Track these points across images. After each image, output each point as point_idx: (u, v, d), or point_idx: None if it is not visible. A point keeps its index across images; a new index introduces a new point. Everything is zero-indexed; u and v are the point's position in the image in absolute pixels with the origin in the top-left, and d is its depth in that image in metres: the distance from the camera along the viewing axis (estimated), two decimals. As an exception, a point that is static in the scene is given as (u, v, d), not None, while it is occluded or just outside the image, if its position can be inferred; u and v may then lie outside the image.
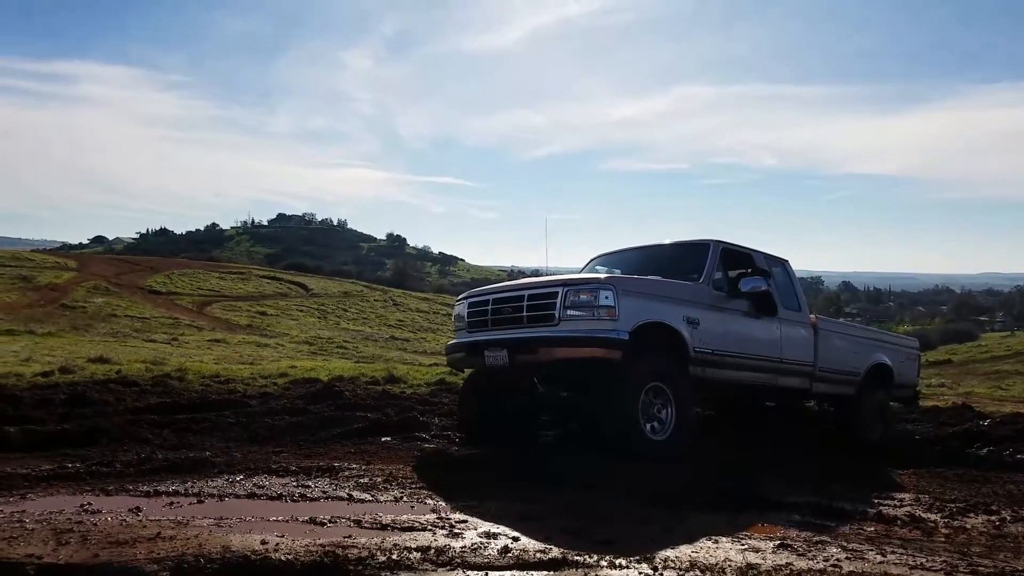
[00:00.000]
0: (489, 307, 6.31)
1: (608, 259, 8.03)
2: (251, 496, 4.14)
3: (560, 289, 5.80)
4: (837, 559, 3.20)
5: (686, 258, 7.08)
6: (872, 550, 3.42)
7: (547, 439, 7.12)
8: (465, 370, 7.11)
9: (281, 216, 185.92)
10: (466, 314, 6.57)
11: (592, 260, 8.21)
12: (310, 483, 4.52)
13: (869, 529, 4.02)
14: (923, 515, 4.43)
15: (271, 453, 5.66)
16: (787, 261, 8.02)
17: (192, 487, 4.28)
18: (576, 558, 2.97)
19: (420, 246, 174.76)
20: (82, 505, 3.72)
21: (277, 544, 2.93)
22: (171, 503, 3.87)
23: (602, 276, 6.27)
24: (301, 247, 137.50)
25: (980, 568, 3.10)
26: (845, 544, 3.53)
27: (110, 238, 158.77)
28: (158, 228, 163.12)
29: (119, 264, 39.31)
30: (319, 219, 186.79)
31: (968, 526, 4.21)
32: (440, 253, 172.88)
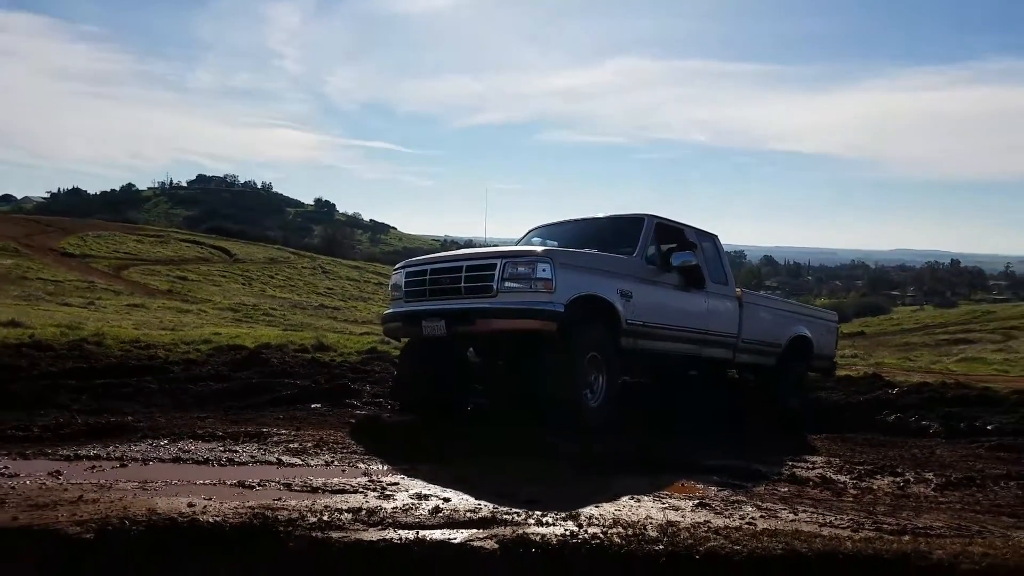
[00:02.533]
0: (427, 277, 6.30)
1: (545, 231, 8.09)
2: (176, 460, 4.04)
3: (498, 261, 5.83)
4: (752, 517, 3.36)
5: (621, 231, 7.21)
6: (785, 509, 3.61)
7: (480, 407, 7.19)
8: (401, 339, 7.07)
9: (202, 177, 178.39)
10: (403, 283, 6.53)
11: (530, 232, 8.26)
12: (238, 448, 4.44)
13: (783, 490, 4.23)
14: (833, 477, 4.70)
15: (196, 419, 5.51)
16: (716, 236, 8.26)
17: (114, 451, 4.14)
18: (505, 516, 3.03)
19: (350, 213, 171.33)
20: (-2, 469, 3.56)
21: (205, 507, 2.88)
22: (93, 467, 3.75)
23: (540, 249, 6.31)
24: (223, 210, 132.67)
25: (884, 525, 3.31)
26: (760, 503, 3.71)
27: (18, 197, 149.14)
28: (70, 187, 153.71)
29: (28, 224, 37.01)
30: (242, 181, 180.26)
31: (875, 487, 4.47)
32: (371, 220, 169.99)
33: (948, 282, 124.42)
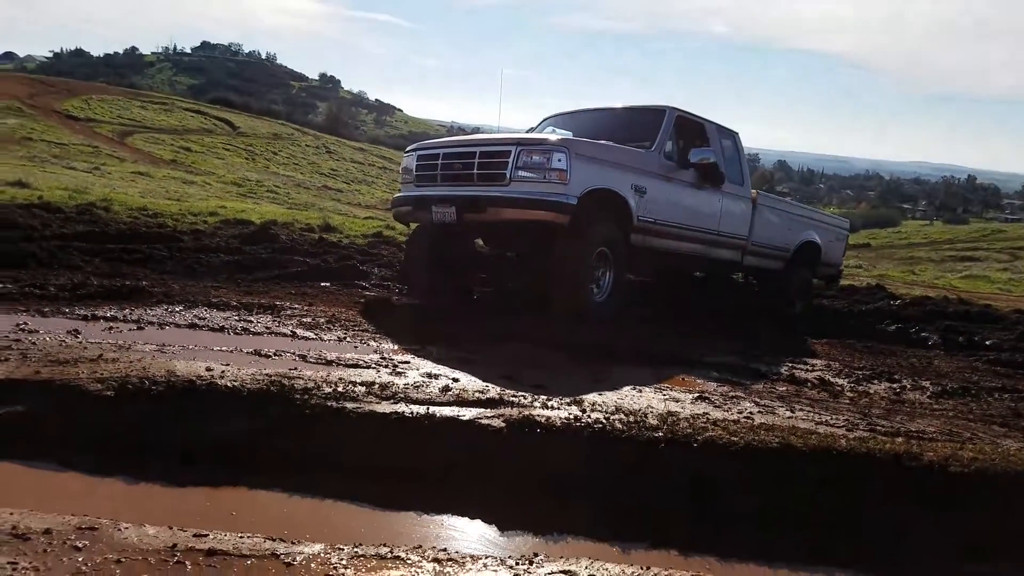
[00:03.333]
0: (439, 161, 6.15)
1: (561, 120, 7.84)
2: (192, 327, 4.12)
3: (513, 148, 5.67)
4: (750, 412, 3.46)
5: (640, 124, 6.98)
6: (782, 407, 3.71)
7: (487, 296, 7.25)
8: (410, 224, 7.04)
9: (206, 44, 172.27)
10: (415, 167, 6.40)
11: (544, 120, 8.00)
12: (252, 318, 4.52)
13: (781, 389, 4.33)
14: (832, 380, 4.79)
15: (209, 288, 5.58)
16: (737, 134, 8.00)
17: (131, 314, 4.21)
18: (512, 398, 3.12)
19: (355, 91, 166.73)
20: (18, 324, 3.63)
21: (223, 372, 2.96)
22: (110, 328, 3.82)
23: (555, 138, 6.11)
24: (227, 80, 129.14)
25: (878, 427, 3.40)
26: (758, 400, 3.80)
27: (20, 55, 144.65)
28: (73, 48, 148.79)
29: (32, 84, 36.05)
30: (246, 51, 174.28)
31: (871, 391, 4.56)
32: (377, 101, 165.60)
33: (962, 198, 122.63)
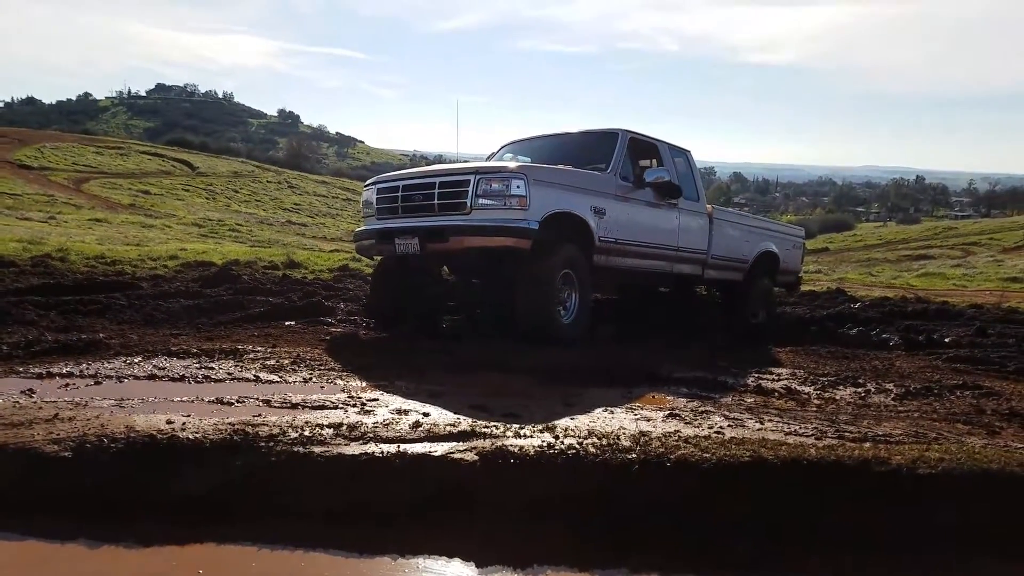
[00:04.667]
0: (399, 194, 6.21)
1: (518, 146, 7.98)
2: (152, 378, 4.02)
3: (472, 177, 5.75)
4: (720, 426, 3.47)
5: (595, 147, 7.12)
6: (752, 419, 3.73)
7: (454, 324, 7.24)
8: (374, 257, 7.04)
9: (160, 87, 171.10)
10: (375, 200, 6.44)
11: (503, 147, 8.13)
12: (214, 365, 4.42)
13: (749, 400, 4.36)
14: (798, 388, 4.84)
15: (169, 336, 5.46)
16: (689, 152, 8.20)
17: (87, 369, 4.10)
18: (484, 430, 3.09)
19: (315, 125, 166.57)
20: (-33, 389, 3.51)
21: (184, 424, 2.89)
22: (66, 385, 3.71)
23: (513, 165, 6.21)
24: (183, 121, 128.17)
25: (846, 433, 3.44)
26: (727, 414, 3.82)
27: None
28: (24, 96, 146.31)
29: (-19, 135, 35.41)
30: (202, 91, 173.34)
31: (837, 397, 4.62)
32: (338, 134, 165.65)
33: (912, 199, 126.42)
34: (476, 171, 5.84)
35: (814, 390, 4.82)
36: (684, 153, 8.08)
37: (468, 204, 5.72)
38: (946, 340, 7.33)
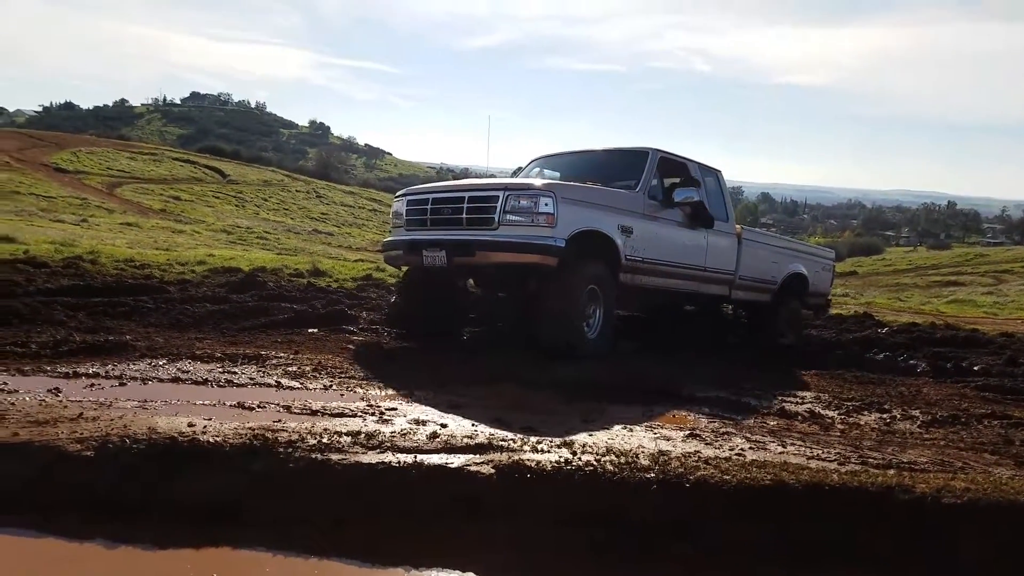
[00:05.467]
0: (429, 206, 6.29)
1: (549, 161, 8.04)
2: (175, 380, 4.07)
3: (501, 193, 5.81)
4: (741, 448, 3.43)
5: (625, 165, 7.15)
6: (774, 441, 3.67)
7: (477, 336, 7.25)
8: (401, 267, 7.12)
9: (195, 95, 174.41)
10: (404, 211, 6.52)
11: (533, 161, 8.20)
12: (236, 370, 4.47)
13: (772, 423, 4.30)
14: (822, 412, 4.77)
15: (194, 339, 5.54)
16: (720, 172, 8.17)
17: (113, 370, 4.16)
18: (501, 443, 3.08)
19: (345, 136, 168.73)
20: (-2, 384, 3.58)
21: (205, 427, 2.92)
22: (92, 385, 3.77)
23: (542, 183, 6.27)
24: (216, 129, 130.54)
25: (870, 459, 3.38)
26: (749, 436, 3.77)
27: (10, 110, 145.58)
28: (63, 101, 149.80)
29: (21, 138, 36.30)
30: (236, 100, 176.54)
31: (862, 422, 4.54)
32: (367, 145, 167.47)
33: (943, 224, 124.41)
34: (505, 187, 5.90)
35: (838, 415, 4.75)
36: (715, 173, 8.06)
37: (496, 219, 5.77)
38: (975, 368, 7.17)
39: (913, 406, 5.17)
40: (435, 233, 6.14)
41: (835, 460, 3.34)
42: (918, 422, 4.63)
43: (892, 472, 3.07)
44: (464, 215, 5.98)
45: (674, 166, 7.44)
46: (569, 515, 2.69)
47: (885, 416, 4.77)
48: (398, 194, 6.88)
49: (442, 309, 6.87)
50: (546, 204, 5.66)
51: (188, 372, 4.30)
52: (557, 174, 7.64)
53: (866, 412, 4.88)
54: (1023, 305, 20.58)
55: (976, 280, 30.59)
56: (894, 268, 38.42)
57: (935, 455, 3.65)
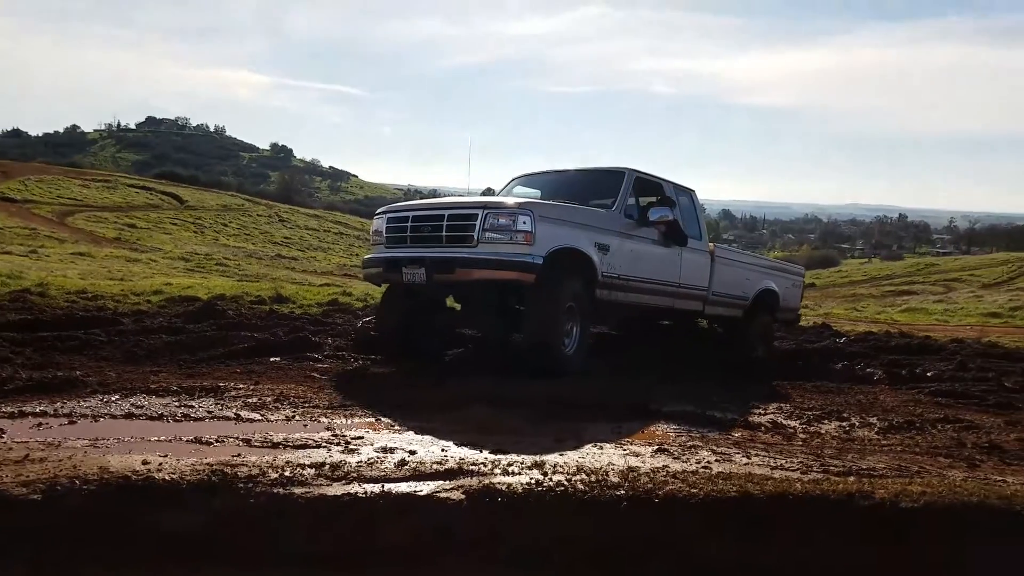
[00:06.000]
0: (409, 224, 6.38)
1: (529, 180, 8.22)
2: (129, 416, 3.94)
3: (480, 211, 5.92)
4: (708, 461, 3.46)
5: (602, 184, 7.34)
6: (739, 453, 3.72)
7: (457, 357, 7.25)
8: (381, 285, 7.21)
9: (151, 120, 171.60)
10: (384, 229, 6.60)
11: (513, 180, 8.35)
12: (193, 403, 4.36)
13: (737, 435, 4.36)
14: (784, 422, 4.85)
15: (149, 373, 5.37)
16: (693, 191, 8.41)
17: (62, 407, 4.01)
18: (471, 467, 3.05)
19: (308, 159, 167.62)
20: (-64, 429, 3.42)
21: (160, 464, 2.82)
22: (39, 424, 3.63)
23: (521, 201, 6.39)
24: (174, 154, 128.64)
25: (831, 467, 3.44)
26: (715, 448, 3.81)
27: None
28: (10, 129, 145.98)
29: (-35, 168, 35.26)
30: (194, 124, 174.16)
31: (823, 431, 4.64)
32: (331, 168, 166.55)
33: (895, 236, 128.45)
34: (484, 205, 6.02)
35: (800, 424, 4.83)
36: (688, 192, 8.29)
37: (475, 237, 5.88)
38: (928, 374, 7.38)
39: (871, 413, 5.30)
40: (415, 251, 6.23)
41: (798, 469, 3.39)
42: (876, 429, 4.74)
43: (852, 479, 3.13)
44: (444, 233, 6.09)
45: (649, 185, 7.63)
46: (543, 537, 2.68)
47: (844, 424, 4.88)
48: (378, 212, 6.97)
49: (423, 327, 6.90)
50: (524, 222, 5.79)
51: (142, 407, 4.17)
52: (537, 192, 7.84)
53: (826, 421, 4.98)
54: (972, 312, 21.27)
55: (927, 289, 31.56)
56: (850, 279, 39.43)
57: (893, 461, 3.74)
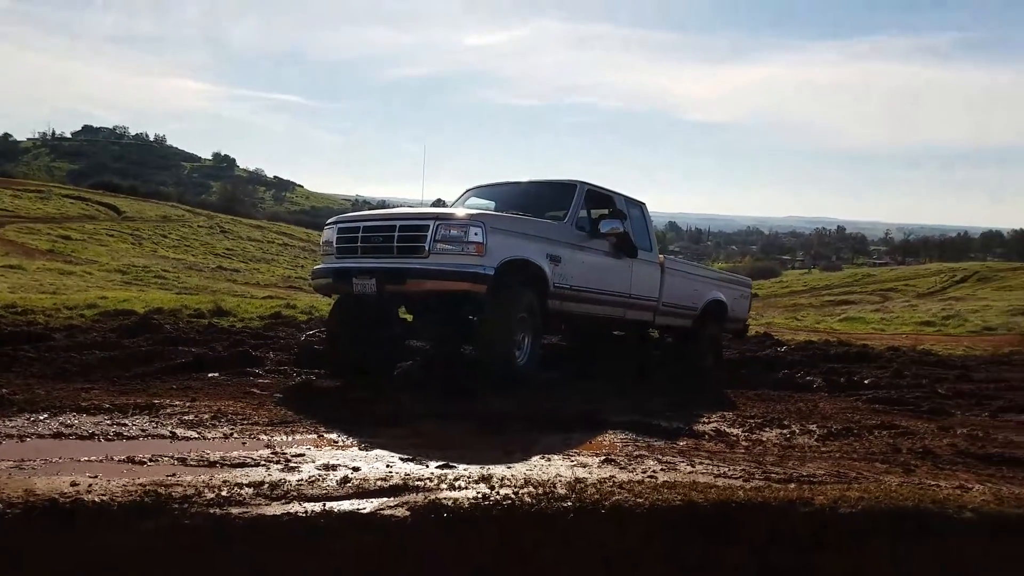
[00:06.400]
0: (359, 234, 6.33)
1: (482, 192, 8.24)
2: (57, 436, 3.77)
3: (432, 222, 5.91)
4: (653, 471, 3.49)
5: (554, 196, 7.44)
6: (683, 462, 3.76)
7: (401, 369, 7.17)
8: (332, 296, 7.12)
9: (88, 129, 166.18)
10: (335, 239, 6.52)
11: (467, 191, 8.36)
12: (127, 421, 4.19)
13: (682, 444, 4.41)
14: (727, 430, 4.94)
15: (80, 390, 5.15)
16: (644, 204, 8.55)
17: (-15, 429, 3.82)
18: (417, 483, 3.00)
19: (252, 168, 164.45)
20: None
21: (90, 486, 2.70)
22: (-42, 447, 3.44)
23: (472, 212, 6.42)
24: (112, 164, 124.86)
25: (772, 474, 3.50)
26: (660, 457, 3.84)
27: None
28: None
29: None
30: (133, 133, 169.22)
31: (764, 439, 4.73)
32: (275, 177, 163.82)
33: (834, 247, 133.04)
34: (436, 216, 6.02)
35: (742, 432, 4.92)
36: (639, 205, 8.43)
37: (427, 248, 5.86)
38: (866, 382, 7.64)
39: (810, 421, 5.43)
40: (366, 261, 6.18)
41: (741, 477, 3.44)
42: (815, 436, 4.85)
43: (793, 486, 3.20)
44: (395, 243, 6.06)
45: (601, 198, 7.73)
46: (490, 551, 2.65)
47: (785, 432, 4.99)
48: (329, 222, 6.89)
49: (372, 341, 6.83)
50: (476, 233, 5.81)
51: (72, 426, 3.99)
52: (491, 204, 7.88)
53: (768, 428, 5.08)
54: (907, 321, 22.14)
55: (865, 298, 32.72)
56: (791, 289, 40.58)
57: (832, 467, 3.83)
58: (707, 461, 3.83)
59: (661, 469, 3.55)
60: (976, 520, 2.85)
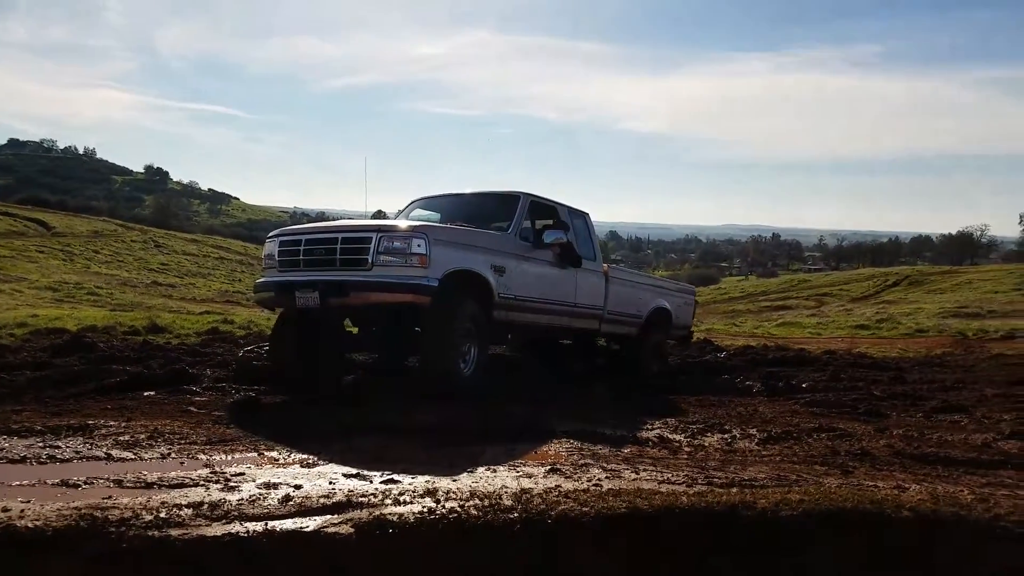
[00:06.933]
0: (302, 247, 6.26)
1: (426, 203, 8.25)
2: (-15, 461, 3.60)
3: (374, 235, 5.89)
4: (599, 479, 3.52)
5: (498, 208, 7.52)
6: (628, 469, 3.81)
7: (345, 383, 7.08)
8: (275, 310, 7.04)
9: (14, 142, 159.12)
10: (277, 253, 6.44)
11: (411, 204, 8.36)
12: (60, 443, 4.02)
13: (626, 451, 4.47)
14: (670, 436, 5.02)
15: (10, 412, 4.92)
16: (587, 214, 8.68)
17: (-96, 456, 3.61)
18: (361, 500, 2.97)
19: (186, 181, 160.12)
20: None
21: (22, 511, 2.58)
22: None
23: (415, 224, 6.40)
24: (40, 179, 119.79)
25: (715, 479, 3.57)
26: (605, 465, 3.88)
27: None
28: None
29: None
30: (62, 147, 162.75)
31: (706, 444, 4.82)
32: (210, 190, 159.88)
33: (770, 254, 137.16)
34: (378, 229, 6.00)
35: (685, 438, 5.01)
36: (583, 215, 8.54)
37: (370, 260, 5.85)
38: (804, 385, 7.87)
39: (751, 425, 5.55)
40: (308, 274, 6.12)
41: (684, 482, 3.50)
42: (756, 440, 4.97)
43: (735, 490, 3.26)
44: (338, 256, 6.01)
45: (544, 209, 7.83)
46: (436, 566, 2.64)
47: (726, 436, 5.09)
48: (270, 235, 6.79)
49: (315, 355, 6.74)
50: (419, 245, 5.81)
51: (2, 449, 3.80)
52: (436, 215, 7.89)
53: (709, 434, 5.18)
54: (842, 325, 22.95)
55: (801, 303, 33.82)
56: (729, 296, 41.66)
57: (772, 471, 3.92)
58: (651, 468, 3.88)
59: (606, 477, 3.58)
60: (913, 519, 2.96)
